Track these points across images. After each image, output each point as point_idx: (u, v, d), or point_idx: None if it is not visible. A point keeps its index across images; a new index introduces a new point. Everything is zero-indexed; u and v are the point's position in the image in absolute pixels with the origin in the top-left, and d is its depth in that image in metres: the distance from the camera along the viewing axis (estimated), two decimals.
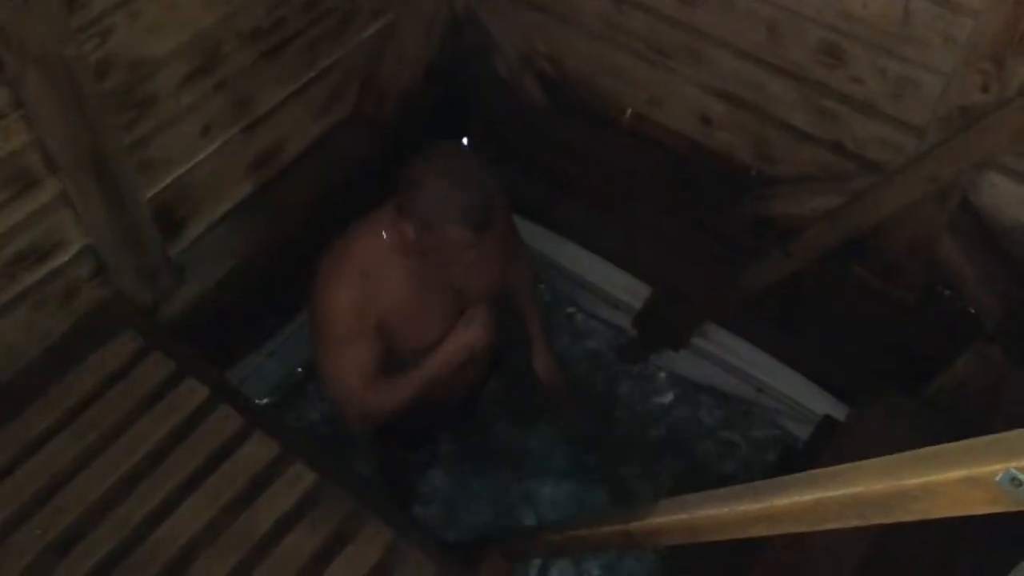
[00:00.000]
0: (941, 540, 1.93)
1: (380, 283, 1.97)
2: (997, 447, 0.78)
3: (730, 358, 2.80)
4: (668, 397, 2.98)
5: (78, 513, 1.87)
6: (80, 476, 1.92)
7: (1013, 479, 0.76)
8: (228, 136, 2.32)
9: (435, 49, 2.76)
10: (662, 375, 3.02)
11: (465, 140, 3.13)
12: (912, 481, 0.85)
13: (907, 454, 0.89)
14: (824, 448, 2.22)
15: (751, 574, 1.95)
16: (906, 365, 2.41)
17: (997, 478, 0.76)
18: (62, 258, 2.06)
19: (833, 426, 2.44)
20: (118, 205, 2.04)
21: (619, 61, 2.57)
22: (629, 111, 2.69)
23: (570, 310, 3.16)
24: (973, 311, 2.30)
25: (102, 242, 2.10)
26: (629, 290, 2.94)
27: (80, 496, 1.90)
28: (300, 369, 2.97)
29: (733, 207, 2.56)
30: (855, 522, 0.99)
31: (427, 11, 2.67)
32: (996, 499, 0.79)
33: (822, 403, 2.63)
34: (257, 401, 2.80)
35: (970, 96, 1.91)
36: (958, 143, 1.93)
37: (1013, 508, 0.80)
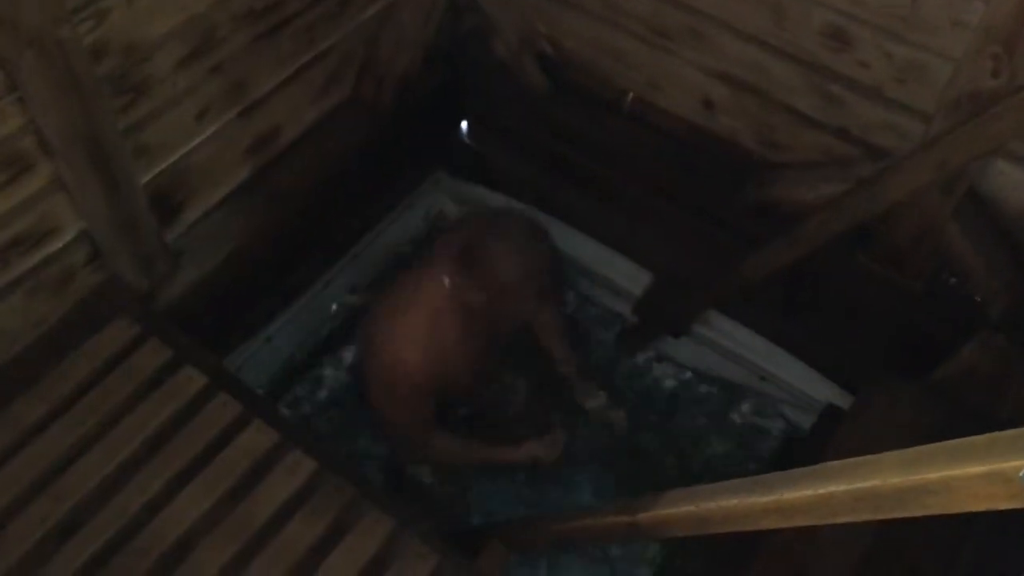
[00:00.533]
0: (947, 529, 1.92)
1: (444, 336, 2.10)
2: (1021, 442, 0.76)
3: (732, 346, 2.78)
4: (669, 385, 2.96)
5: (76, 501, 1.85)
6: (78, 463, 1.90)
7: None
8: (225, 120, 2.28)
9: (434, 32, 2.72)
10: (663, 363, 2.99)
11: (464, 124, 3.11)
12: (931, 475, 0.83)
13: (925, 448, 0.87)
14: (828, 436, 2.19)
15: (756, 561, 1.94)
16: (910, 353, 2.39)
17: (1021, 474, 0.75)
18: (57, 243, 2.03)
19: (837, 414, 2.42)
20: (114, 190, 2.01)
21: (620, 43, 2.54)
22: (630, 94, 2.66)
23: (569, 297, 3.13)
24: (979, 299, 2.28)
25: (98, 227, 2.07)
26: (630, 277, 2.92)
27: (78, 484, 1.88)
28: (298, 355, 2.95)
29: (735, 193, 2.53)
30: (867, 516, 0.97)
31: None
32: (1018, 495, 0.77)
33: (825, 391, 2.61)
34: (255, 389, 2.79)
35: (980, 82, 1.88)
36: (968, 130, 1.90)
37: None
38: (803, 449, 2.52)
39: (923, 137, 2.08)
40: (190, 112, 2.17)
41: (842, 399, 2.55)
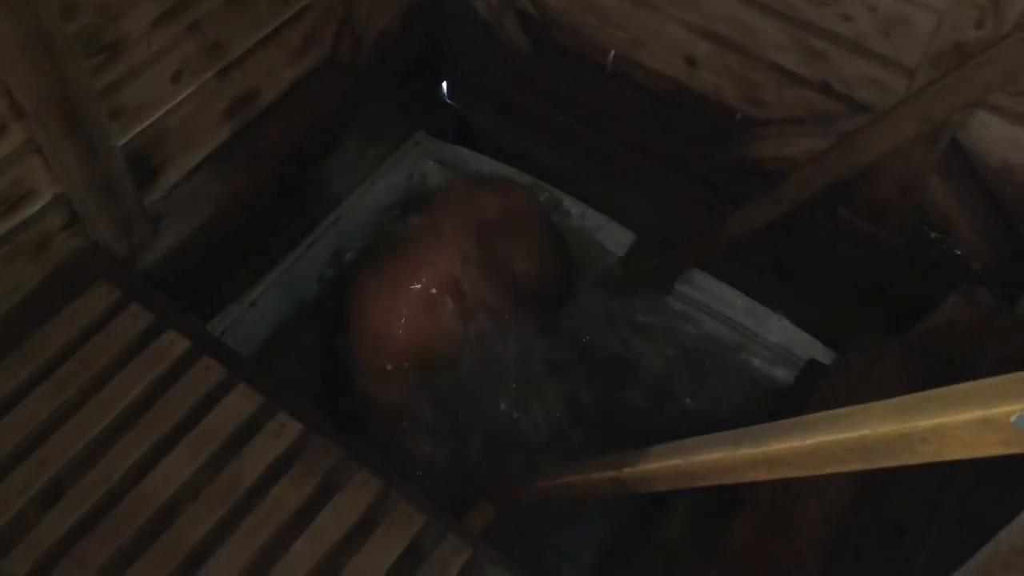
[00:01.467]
0: (928, 482, 1.95)
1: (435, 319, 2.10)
2: (1013, 388, 0.76)
3: (714, 304, 2.78)
4: (650, 343, 2.96)
5: (60, 467, 1.84)
6: (61, 430, 1.88)
7: None
8: (201, 81, 2.24)
9: None
10: (646, 320, 2.99)
11: (445, 85, 3.07)
12: (922, 423, 0.84)
13: (915, 396, 0.87)
14: (811, 391, 2.21)
15: (739, 516, 1.95)
16: (892, 308, 2.40)
17: (1013, 419, 0.75)
18: (33, 207, 2.00)
19: (819, 370, 2.44)
20: (90, 152, 1.97)
21: (602, 1, 2.51)
22: (612, 53, 2.64)
23: None
24: (960, 253, 2.29)
25: (74, 191, 2.03)
26: (612, 236, 2.91)
27: (61, 450, 1.86)
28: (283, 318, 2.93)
29: (718, 150, 2.53)
30: (857, 466, 0.97)
31: None
32: (1010, 440, 0.77)
33: (808, 348, 2.63)
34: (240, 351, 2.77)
35: (964, 33, 1.87)
36: (951, 81, 1.89)
37: None
38: (785, 404, 2.53)
39: (906, 91, 2.08)
40: (166, 73, 2.12)
41: (825, 355, 2.57)
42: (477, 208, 1.93)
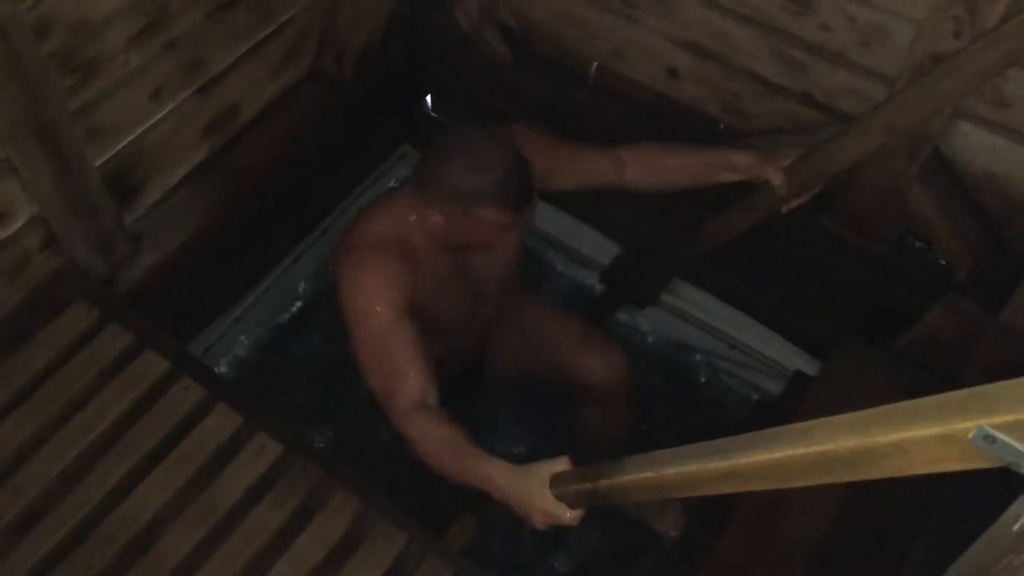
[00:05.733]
0: (915, 494, 1.94)
1: (412, 265, 1.86)
2: (971, 403, 0.75)
3: (699, 314, 2.77)
4: (635, 354, 2.95)
5: (37, 492, 1.82)
6: (38, 454, 1.86)
7: (987, 436, 0.74)
8: (181, 99, 2.23)
9: (394, 3, 2.68)
10: (631, 330, 2.98)
11: (428, 97, 3.07)
12: (883, 438, 0.82)
13: (878, 410, 0.86)
14: (797, 403, 2.20)
15: (730, 529, 1.94)
16: (877, 318, 2.39)
17: (970, 435, 0.74)
18: (10, 229, 1.98)
19: (805, 381, 2.42)
20: (66, 173, 1.96)
21: (584, 12, 2.50)
22: (594, 64, 2.63)
23: (536, 267, 3.10)
24: (944, 263, 2.28)
25: (52, 211, 2.02)
26: (596, 247, 2.90)
27: (39, 474, 1.84)
28: (268, 335, 2.92)
29: None
30: (825, 480, 0.96)
31: None
32: (969, 456, 0.76)
33: (794, 358, 2.62)
34: (222, 370, 2.76)
35: (942, 43, 1.87)
36: (913, 91, 1.89)
37: (986, 465, 0.77)
38: (772, 416, 2.52)
39: None
40: (144, 91, 2.11)
41: (811, 365, 2.56)
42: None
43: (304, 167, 2.71)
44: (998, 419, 0.73)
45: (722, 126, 2.47)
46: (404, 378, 1.76)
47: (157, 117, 2.19)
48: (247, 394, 2.17)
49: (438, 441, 1.70)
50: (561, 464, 1.51)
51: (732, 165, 2.10)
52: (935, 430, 0.77)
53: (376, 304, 1.80)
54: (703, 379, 2.86)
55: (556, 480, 1.50)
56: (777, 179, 2.05)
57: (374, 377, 1.83)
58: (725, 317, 2.73)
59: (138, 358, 2.02)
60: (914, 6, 1.91)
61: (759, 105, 2.36)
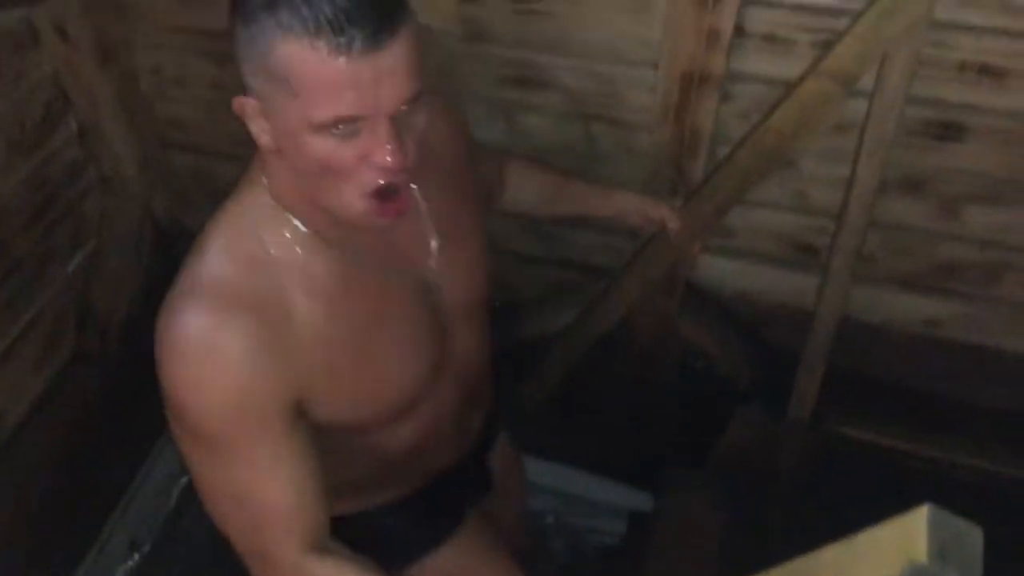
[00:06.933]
0: None
1: (285, 318, 1.15)
2: (885, 542, 0.73)
3: (537, 479, 2.80)
4: None
5: None
6: None
7: (918, 570, 0.70)
8: None
9: (148, 267, 2.63)
10: None
11: None
12: None
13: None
14: (642, 543, 2.25)
15: None
16: (691, 442, 2.52)
17: None
18: None
19: (642, 519, 2.50)
20: None
21: None
22: None
23: None
24: (726, 375, 2.47)
25: None
26: None
27: None
28: None
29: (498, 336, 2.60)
30: None
31: (128, 230, 2.54)
32: None
33: (631, 498, 2.68)
34: None
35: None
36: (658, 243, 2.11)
37: None
38: (621, 559, 2.57)
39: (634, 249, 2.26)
40: None
41: (646, 501, 2.63)
42: None
43: (92, 450, 2.55)
44: None
45: (497, 303, 2.56)
46: (289, 518, 1.16)
47: None
48: None
49: None
50: None
51: (619, 206, 1.77)
52: None
53: (225, 414, 1.12)
54: (551, 540, 2.87)
55: None
56: (674, 223, 1.74)
57: (235, 523, 1.20)
58: (554, 474, 2.76)
59: None
60: (633, 170, 2.13)
61: (522, 277, 2.49)
